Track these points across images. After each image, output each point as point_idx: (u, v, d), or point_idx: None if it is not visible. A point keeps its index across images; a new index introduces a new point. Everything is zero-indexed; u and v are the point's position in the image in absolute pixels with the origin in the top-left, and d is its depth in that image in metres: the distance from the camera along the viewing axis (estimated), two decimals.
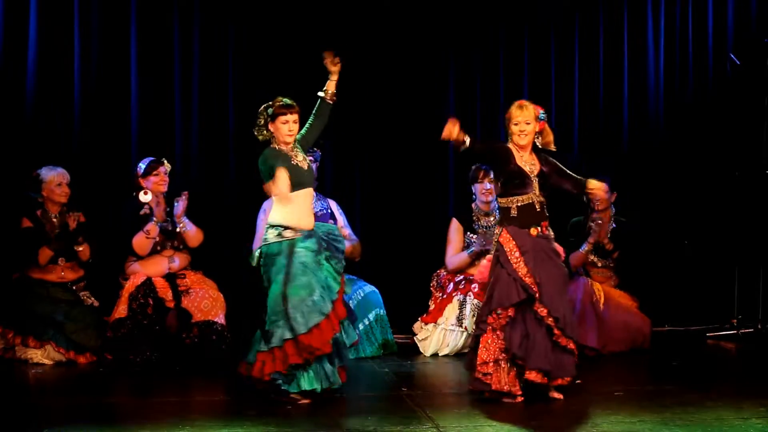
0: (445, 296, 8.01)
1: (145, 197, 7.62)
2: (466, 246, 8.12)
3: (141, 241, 7.57)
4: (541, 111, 6.39)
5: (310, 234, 6.23)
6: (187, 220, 7.67)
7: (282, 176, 6.07)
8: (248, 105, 8.68)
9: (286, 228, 6.17)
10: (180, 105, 8.67)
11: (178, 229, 7.66)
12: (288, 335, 5.98)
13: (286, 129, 6.27)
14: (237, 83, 8.83)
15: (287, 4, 8.87)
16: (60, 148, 8.24)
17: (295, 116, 6.32)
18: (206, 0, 8.75)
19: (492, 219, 8.18)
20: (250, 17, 8.81)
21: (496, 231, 6.31)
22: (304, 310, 6.02)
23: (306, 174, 6.30)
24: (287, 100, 6.33)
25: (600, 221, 8.19)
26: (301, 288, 6.06)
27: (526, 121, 6.32)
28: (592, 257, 8.30)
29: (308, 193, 6.32)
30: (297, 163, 6.26)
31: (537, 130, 6.36)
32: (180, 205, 7.60)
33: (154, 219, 7.55)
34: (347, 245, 7.93)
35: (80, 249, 7.63)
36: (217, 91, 8.81)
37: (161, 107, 8.63)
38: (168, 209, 7.68)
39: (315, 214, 7.87)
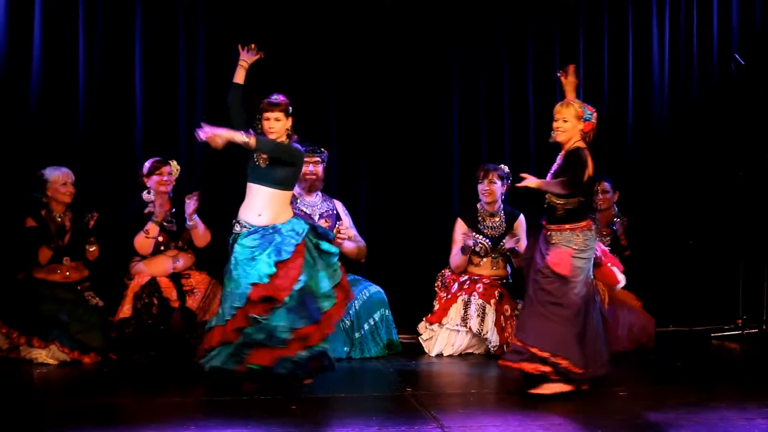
0: (449, 296, 8.00)
1: (148, 196, 7.64)
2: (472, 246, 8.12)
3: (141, 241, 7.58)
4: (588, 111, 6.44)
5: (255, 230, 6.41)
6: (197, 218, 7.68)
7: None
8: (253, 104, 8.70)
9: (236, 222, 6.51)
10: (185, 105, 8.68)
11: (187, 226, 7.66)
12: (213, 323, 6.42)
13: (267, 126, 6.50)
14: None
15: (292, 5, 8.87)
16: (64, 148, 8.23)
17: (277, 114, 6.49)
18: (211, 1, 8.75)
19: (497, 219, 8.18)
20: (254, 17, 8.80)
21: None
22: (227, 303, 6.32)
23: (256, 171, 6.47)
24: (276, 98, 6.51)
25: (622, 223, 8.31)
26: (228, 282, 6.37)
27: (563, 119, 6.43)
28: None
29: (254, 189, 6.48)
30: (256, 160, 6.48)
31: (583, 130, 6.43)
32: (191, 203, 7.60)
33: (154, 219, 7.56)
34: (352, 246, 7.96)
35: (91, 249, 7.65)
36: (222, 90, 8.77)
37: (166, 107, 8.64)
38: (174, 210, 7.69)
39: (320, 215, 7.92)
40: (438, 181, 9.29)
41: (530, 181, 6.33)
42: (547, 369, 6.23)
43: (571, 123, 6.39)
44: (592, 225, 6.42)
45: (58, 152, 8.05)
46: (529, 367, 6.26)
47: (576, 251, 6.31)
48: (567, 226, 6.35)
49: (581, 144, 6.41)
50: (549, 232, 6.40)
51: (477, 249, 8.09)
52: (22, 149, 8.12)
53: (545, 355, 6.21)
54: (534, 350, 6.23)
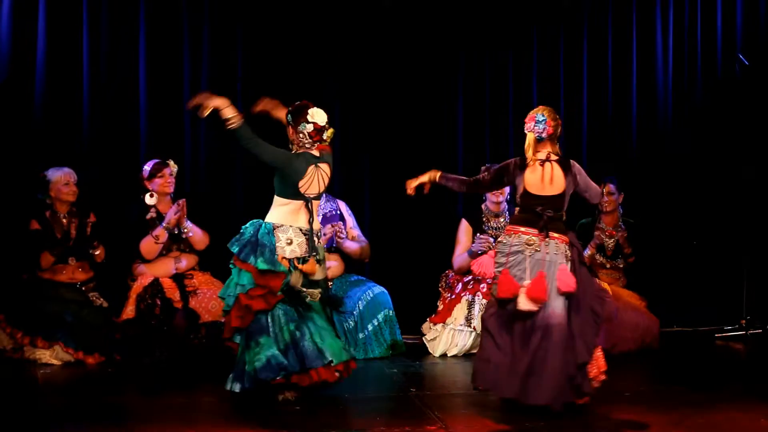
0: (453, 296, 8.00)
1: (150, 200, 7.63)
2: None
3: (149, 246, 7.58)
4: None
5: None
6: (191, 225, 7.68)
7: None
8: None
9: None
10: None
11: (183, 235, 7.67)
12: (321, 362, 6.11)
13: None
14: (245, 84, 8.83)
15: (296, 6, 8.88)
16: (68, 150, 8.23)
17: None
18: (215, 2, 8.76)
19: (502, 220, 8.17)
20: (258, 19, 8.82)
21: (556, 234, 5.98)
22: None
23: None
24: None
25: (623, 231, 8.28)
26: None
27: None
28: (600, 259, 8.31)
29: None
30: None
31: None
32: (171, 211, 7.58)
33: (164, 224, 7.55)
34: (355, 246, 7.97)
35: (96, 253, 7.65)
36: (226, 92, 8.78)
37: (170, 109, 8.64)
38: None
39: (324, 215, 7.92)
40: None
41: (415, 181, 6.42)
42: None
43: None
44: (522, 234, 6.00)
45: (62, 153, 8.05)
46: None
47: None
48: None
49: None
50: None
51: (482, 249, 8.08)
52: (26, 150, 8.13)
53: None
54: None
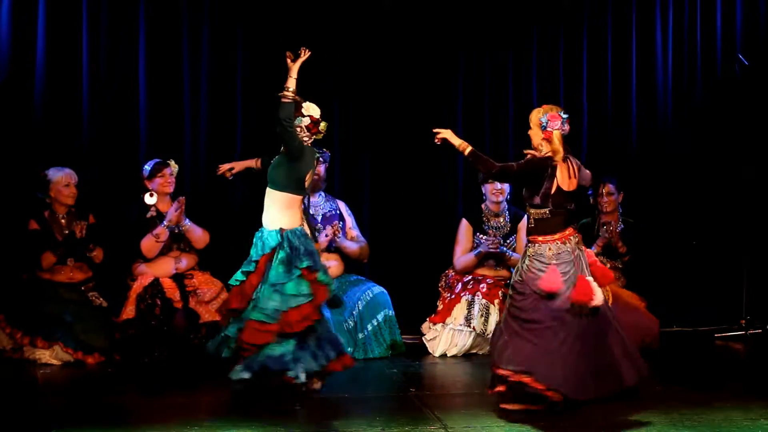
0: (453, 296, 7.99)
1: (150, 199, 7.62)
2: (475, 246, 8.11)
3: (150, 245, 7.58)
4: (545, 118, 6.05)
5: None
6: (189, 222, 7.68)
7: None
8: (257, 106, 8.71)
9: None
10: (189, 106, 8.68)
11: (180, 229, 7.66)
12: None
13: None
14: (245, 85, 8.83)
15: (296, 6, 8.88)
16: (68, 150, 8.23)
17: None
18: (215, 2, 8.76)
19: (501, 220, 8.17)
20: (258, 19, 8.81)
21: (578, 238, 6.09)
22: None
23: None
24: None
25: (610, 226, 8.21)
26: None
27: (530, 124, 6.15)
28: (600, 259, 8.30)
29: None
30: None
31: (544, 138, 6.07)
32: (171, 209, 7.58)
33: (165, 223, 7.56)
34: (354, 246, 7.97)
35: (93, 254, 7.64)
36: (226, 92, 8.81)
37: (170, 109, 8.64)
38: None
39: (324, 215, 7.92)
40: (442, 182, 9.29)
41: (446, 132, 6.19)
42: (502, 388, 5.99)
43: (533, 130, 6.12)
44: (570, 237, 6.03)
45: (62, 154, 8.05)
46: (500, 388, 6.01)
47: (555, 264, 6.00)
48: (539, 239, 6.05)
49: (543, 154, 6.07)
50: (528, 245, 6.16)
51: (491, 250, 8.06)
52: (26, 150, 8.13)
53: (507, 373, 5.89)
54: (499, 371, 5.96)
